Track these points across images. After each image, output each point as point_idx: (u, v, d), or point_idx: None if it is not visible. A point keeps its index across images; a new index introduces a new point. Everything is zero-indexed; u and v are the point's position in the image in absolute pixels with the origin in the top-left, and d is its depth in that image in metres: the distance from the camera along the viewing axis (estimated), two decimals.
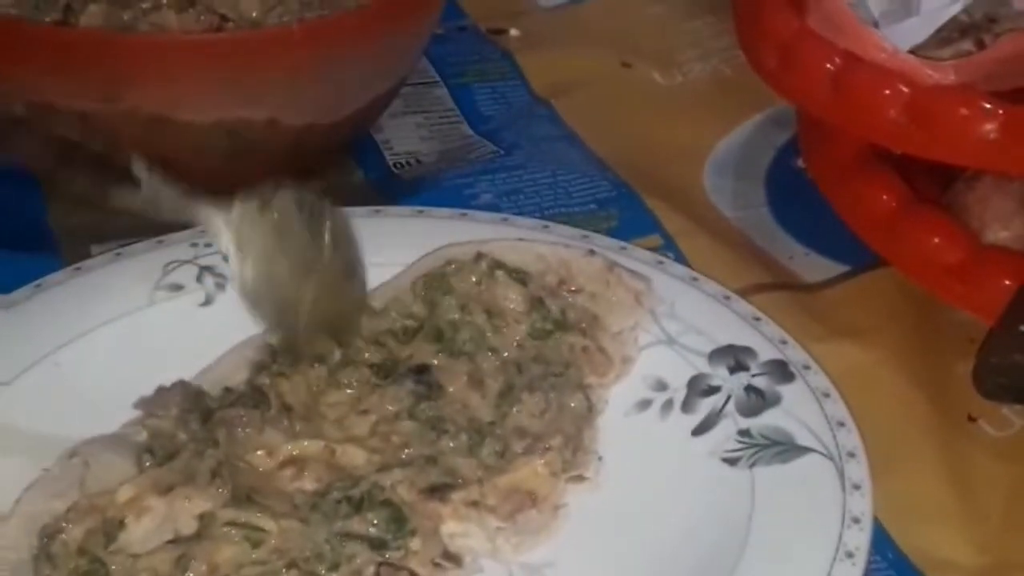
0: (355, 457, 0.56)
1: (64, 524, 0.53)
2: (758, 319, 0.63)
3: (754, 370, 0.60)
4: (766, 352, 0.61)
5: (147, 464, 0.56)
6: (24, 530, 0.53)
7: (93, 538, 0.53)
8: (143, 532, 0.53)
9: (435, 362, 0.61)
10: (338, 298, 0.61)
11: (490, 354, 0.61)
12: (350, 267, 0.62)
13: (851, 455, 0.55)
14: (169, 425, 0.58)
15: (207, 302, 0.66)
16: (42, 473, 0.56)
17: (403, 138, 0.84)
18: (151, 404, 0.59)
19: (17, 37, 0.71)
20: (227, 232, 0.60)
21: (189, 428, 0.57)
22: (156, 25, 0.74)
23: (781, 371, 0.60)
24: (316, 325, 0.60)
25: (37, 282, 0.65)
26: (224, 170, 0.75)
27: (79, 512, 0.54)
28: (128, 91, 0.70)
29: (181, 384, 0.60)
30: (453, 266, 0.64)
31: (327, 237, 0.61)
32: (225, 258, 0.61)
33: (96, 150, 0.64)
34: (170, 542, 0.53)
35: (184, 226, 0.68)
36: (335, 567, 0.52)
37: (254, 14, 0.75)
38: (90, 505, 0.54)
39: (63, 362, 0.61)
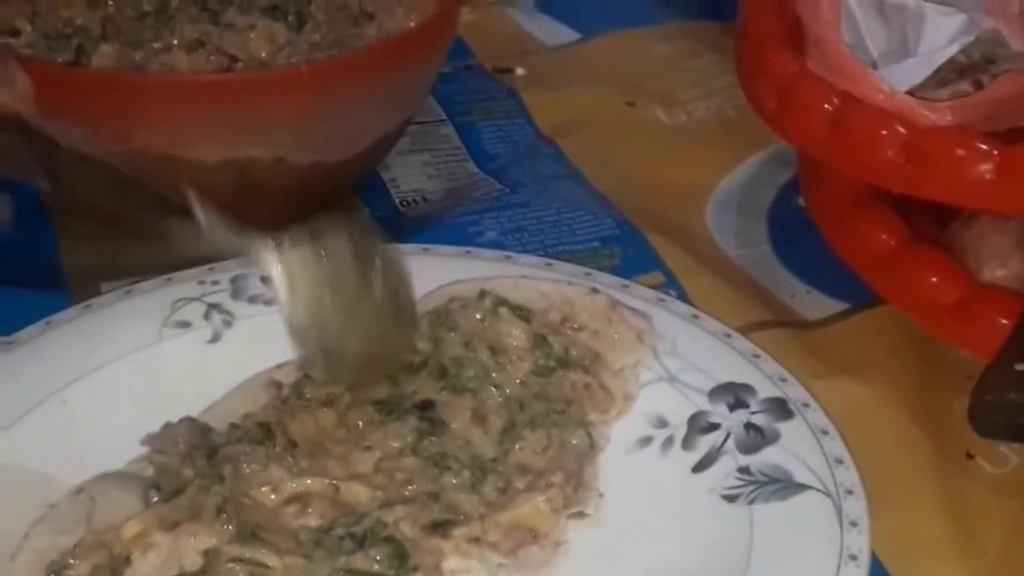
0: (359, 494, 0.57)
1: (71, 560, 0.53)
2: (758, 357, 0.63)
3: (754, 407, 0.61)
4: (766, 390, 0.61)
5: (153, 500, 0.56)
6: (32, 565, 0.54)
7: (99, 574, 0.53)
8: (149, 568, 0.54)
9: (439, 398, 0.61)
10: (386, 338, 0.61)
11: (493, 390, 0.62)
12: (399, 306, 0.62)
13: (849, 492, 0.56)
14: (175, 461, 0.58)
15: (214, 339, 0.66)
16: (49, 509, 0.56)
17: (409, 176, 0.85)
18: (158, 440, 0.59)
19: (30, 77, 0.72)
20: (278, 267, 0.60)
21: (195, 464, 0.58)
22: (167, 65, 0.75)
23: (780, 409, 0.60)
24: (362, 365, 0.61)
25: (47, 319, 0.66)
26: (232, 207, 0.75)
27: (86, 548, 0.54)
28: (138, 131, 0.71)
29: (188, 420, 0.60)
30: (457, 303, 0.65)
31: (378, 275, 0.61)
32: (275, 294, 0.60)
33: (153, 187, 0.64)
34: None
35: (194, 263, 0.69)
36: None
37: (263, 55, 0.76)
38: (97, 541, 0.54)
39: (71, 399, 0.62)
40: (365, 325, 0.60)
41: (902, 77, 0.70)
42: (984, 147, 0.61)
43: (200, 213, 0.60)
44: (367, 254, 0.61)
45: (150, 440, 0.60)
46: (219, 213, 0.61)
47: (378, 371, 0.61)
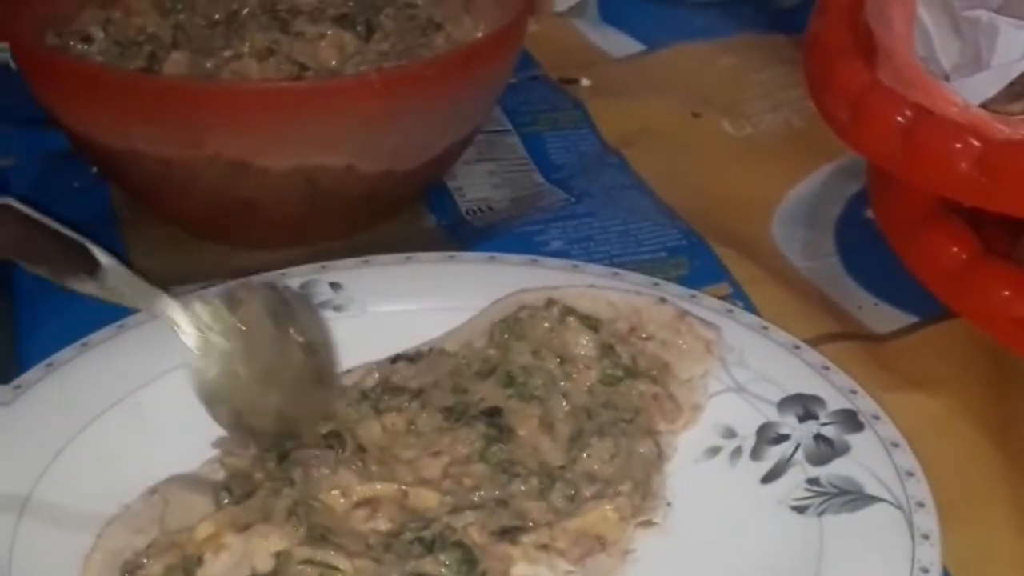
0: (427, 499, 0.57)
1: (144, 560, 0.54)
2: (827, 368, 0.63)
3: (823, 419, 0.60)
4: (835, 401, 0.61)
5: (225, 502, 0.57)
6: (106, 565, 0.55)
7: (172, 574, 0.54)
8: (221, 568, 0.54)
9: (506, 406, 0.61)
10: (303, 404, 0.60)
11: (561, 399, 0.62)
12: (320, 372, 0.61)
13: (920, 505, 0.56)
14: (246, 464, 0.59)
15: None
16: (123, 509, 0.57)
17: (475, 185, 0.86)
18: (229, 443, 0.60)
19: (103, 84, 0.73)
20: (189, 328, 0.59)
21: (266, 467, 0.58)
22: (237, 73, 0.76)
23: (850, 420, 0.60)
24: (276, 429, 0.60)
25: (119, 323, 0.67)
26: (302, 214, 0.76)
27: (159, 548, 0.55)
28: (210, 138, 0.72)
29: None
30: (526, 312, 0.65)
31: (298, 341, 0.60)
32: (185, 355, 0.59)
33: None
34: None
35: (261, 270, 0.70)
36: None
37: (333, 63, 0.77)
38: (170, 541, 0.55)
39: (144, 401, 0.63)
40: (281, 394, 0.60)
41: (975, 90, 0.69)
42: None
43: (106, 265, 0.60)
44: (286, 319, 0.60)
45: (221, 443, 0.60)
46: (126, 267, 0.60)
47: (295, 431, 0.60)
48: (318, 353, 0.61)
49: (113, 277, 0.60)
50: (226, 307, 0.59)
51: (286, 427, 0.60)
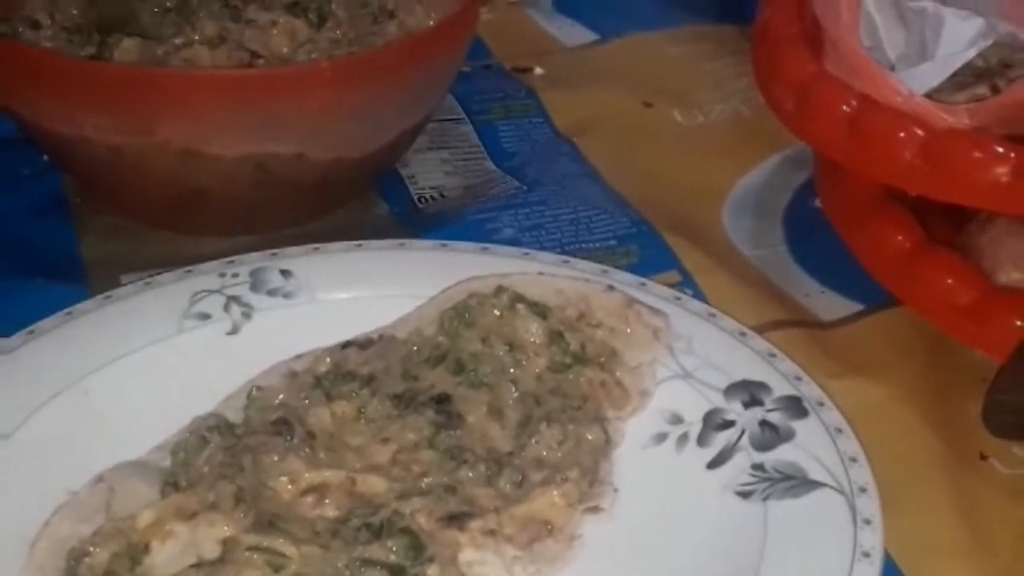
0: (375, 485, 0.57)
1: (90, 548, 0.54)
2: (773, 355, 0.64)
3: (769, 405, 0.61)
4: (781, 388, 0.62)
5: (172, 490, 0.57)
6: (52, 553, 0.54)
7: (118, 561, 0.54)
8: (167, 556, 0.54)
9: (455, 392, 0.62)
10: None
11: (510, 386, 0.62)
12: None
13: (863, 490, 0.56)
14: (194, 451, 0.59)
15: (234, 331, 0.67)
16: (69, 497, 0.57)
17: (428, 173, 0.85)
18: (179, 431, 0.60)
19: (53, 71, 0.72)
20: None
21: (214, 455, 0.58)
22: (188, 61, 0.75)
23: (795, 407, 0.61)
24: None
25: (68, 310, 0.66)
26: (253, 202, 0.76)
27: (105, 536, 0.55)
28: (160, 125, 0.71)
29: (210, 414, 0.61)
30: (475, 299, 0.65)
31: None
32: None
33: None
34: (193, 566, 0.54)
35: (214, 256, 0.70)
36: None
37: (284, 51, 0.77)
38: (115, 529, 0.55)
39: (92, 389, 0.63)
40: None
41: (920, 80, 0.70)
42: (1001, 150, 0.62)
43: None
44: None
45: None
46: None
47: None
48: None
49: None
50: None
51: None
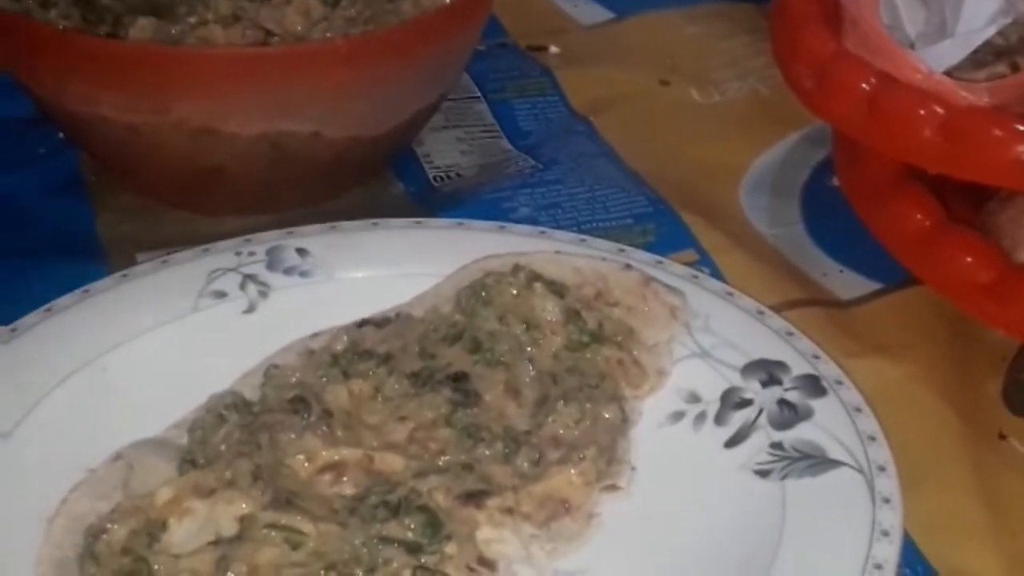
0: (393, 463, 0.57)
1: (108, 524, 0.54)
2: (791, 334, 0.63)
3: (787, 384, 0.61)
4: (799, 367, 0.61)
5: (189, 467, 0.57)
6: (69, 529, 0.55)
7: (136, 538, 0.54)
8: (185, 533, 0.54)
9: (472, 371, 0.62)
10: None
11: (527, 364, 0.62)
12: None
13: (882, 469, 0.56)
14: (211, 430, 0.59)
15: (250, 309, 0.67)
16: (87, 474, 0.57)
17: (443, 152, 0.85)
18: (196, 409, 0.60)
19: (69, 49, 0.72)
20: None
21: (232, 432, 0.58)
22: (203, 39, 0.75)
23: (813, 385, 0.60)
24: None
25: (84, 288, 0.66)
26: (269, 180, 0.76)
27: (123, 513, 0.55)
28: (176, 104, 0.71)
29: (226, 391, 0.61)
30: (492, 278, 0.65)
31: None
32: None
33: None
34: (211, 543, 0.54)
35: (230, 235, 0.70)
36: (372, 570, 0.53)
37: (299, 29, 0.76)
38: (133, 506, 0.55)
39: (110, 367, 0.63)
40: None
41: (939, 58, 0.69)
42: (1021, 128, 0.61)
43: None
44: None
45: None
46: None
47: None
48: None
49: None
50: None
51: None
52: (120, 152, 0.76)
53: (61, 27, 0.75)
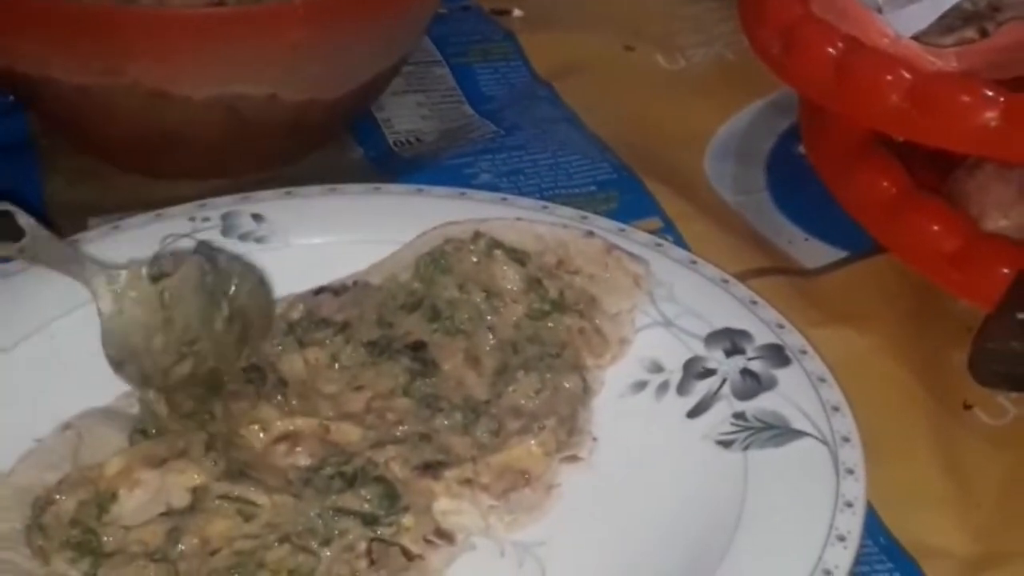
0: (349, 433, 0.57)
1: (56, 496, 0.53)
2: (755, 303, 0.63)
3: (750, 353, 0.60)
4: (763, 336, 0.61)
5: (140, 437, 0.56)
6: (17, 500, 0.54)
7: (85, 510, 0.53)
8: (136, 504, 0.53)
9: (431, 340, 0.61)
10: (216, 369, 0.59)
11: (487, 333, 0.61)
12: (244, 334, 0.60)
13: (845, 440, 0.55)
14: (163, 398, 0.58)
15: None
16: (36, 444, 0.56)
17: (404, 116, 0.84)
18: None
19: (20, 9, 0.71)
20: (107, 296, 0.59)
21: (183, 402, 0.57)
22: (158, 0, 0.74)
23: (777, 355, 0.60)
24: (183, 390, 0.58)
25: None
26: (224, 144, 0.75)
27: (71, 484, 0.54)
28: (128, 65, 0.70)
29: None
30: (451, 245, 0.64)
31: (225, 310, 0.60)
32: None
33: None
34: (162, 515, 0.53)
35: (184, 200, 0.69)
36: (327, 542, 0.52)
37: None
38: (82, 477, 0.54)
39: (58, 333, 0.61)
40: (198, 357, 0.59)
41: (907, 22, 0.69)
42: (990, 94, 0.61)
43: (28, 228, 0.60)
44: (219, 288, 0.60)
45: None
46: (50, 231, 0.61)
47: (200, 394, 0.58)
48: (249, 315, 0.60)
49: (35, 241, 0.60)
50: (150, 277, 0.59)
51: (207, 381, 0.58)
52: (71, 115, 0.75)
53: None
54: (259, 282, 0.62)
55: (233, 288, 0.60)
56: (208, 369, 0.59)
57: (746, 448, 0.56)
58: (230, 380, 0.58)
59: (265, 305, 0.61)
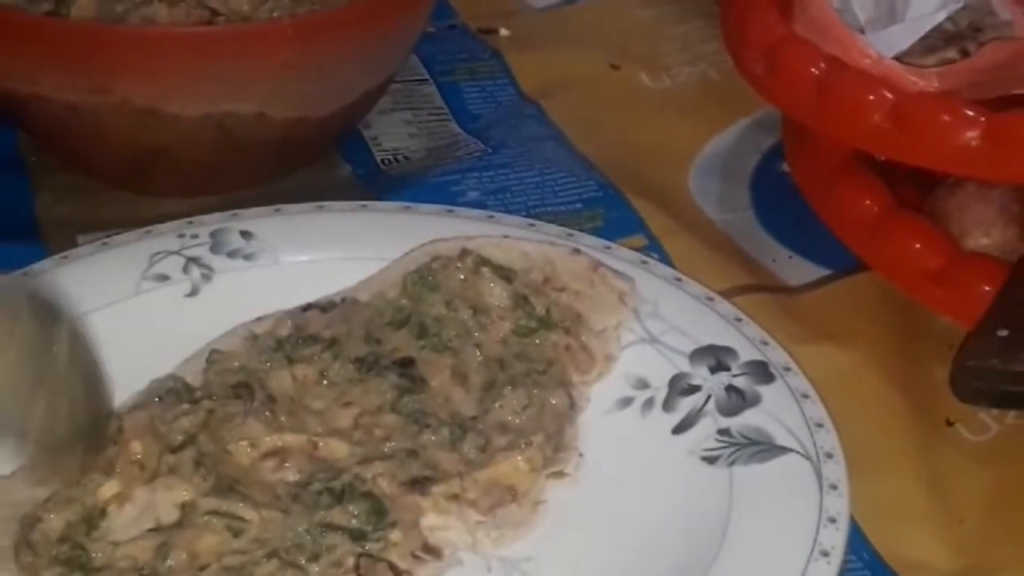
0: (337, 449, 0.57)
1: (44, 514, 0.53)
2: (740, 320, 0.63)
3: (735, 370, 0.60)
4: (747, 353, 0.61)
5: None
6: (5, 517, 0.54)
7: (74, 528, 0.53)
8: (125, 520, 0.54)
9: (419, 356, 0.61)
10: (79, 413, 0.54)
11: (475, 350, 0.61)
12: (91, 379, 0.55)
13: (829, 456, 0.56)
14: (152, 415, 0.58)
15: (193, 292, 0.66)
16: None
17: (391, 134, 0.84)
18: (137, 394, 0.59)
19: (9, 27, 0.71)
20: None
21: (172, 418, 0.57)
22: (147, 18, 0.74)
23: (761, 372, 0.60)
24: (54, 440, 0.53)
25: (23, 270, 0.65)
26: (213, 162, 0.75)
27: (60, 501, 0.54)
28: (118, 83, 0.70)
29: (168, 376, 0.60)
30: (439, 262, 0.64)
31: (64, 343, 0.54)
32: None
33: None
34: (151, 530, 0.53)
35: (173, 217, 0.69)
36: (315, 558, 0.52)
37: (244, 8, 0.75)
38: (71, 494, 0.54)
39: None
40: (50, 395, 0.53)
41: (889, 43, 0.69)
42: (971, 114, 0.61)
43: None
44: (49, 320, 0.54)
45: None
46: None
47: (76, 448, 0.54)
48: (84, 357, 0.55)
49: None
50: None
51: (66, 440, 0.54)
52: (60, 132, 0.75)
53: (0, 3, 0.74)
54: (82, 333, 0.56)
55: (63, 328, 0.55)
56: (71, 419, 0.54)
57: (731, 464, 0.56)
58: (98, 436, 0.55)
59: (93, 355, 0.56)
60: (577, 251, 0.66)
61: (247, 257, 0.67)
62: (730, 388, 0.60)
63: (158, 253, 0.67)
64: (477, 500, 0.56)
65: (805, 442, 0.56)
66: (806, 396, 0.59)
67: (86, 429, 0.55)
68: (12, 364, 0.52)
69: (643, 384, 0.61)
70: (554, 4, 1.01)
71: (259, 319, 0.63)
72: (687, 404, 0.60)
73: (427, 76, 0.90)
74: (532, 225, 0.70)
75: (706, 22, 0.95)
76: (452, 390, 0.60)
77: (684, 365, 0.61)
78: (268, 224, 0.69)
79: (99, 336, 0.61)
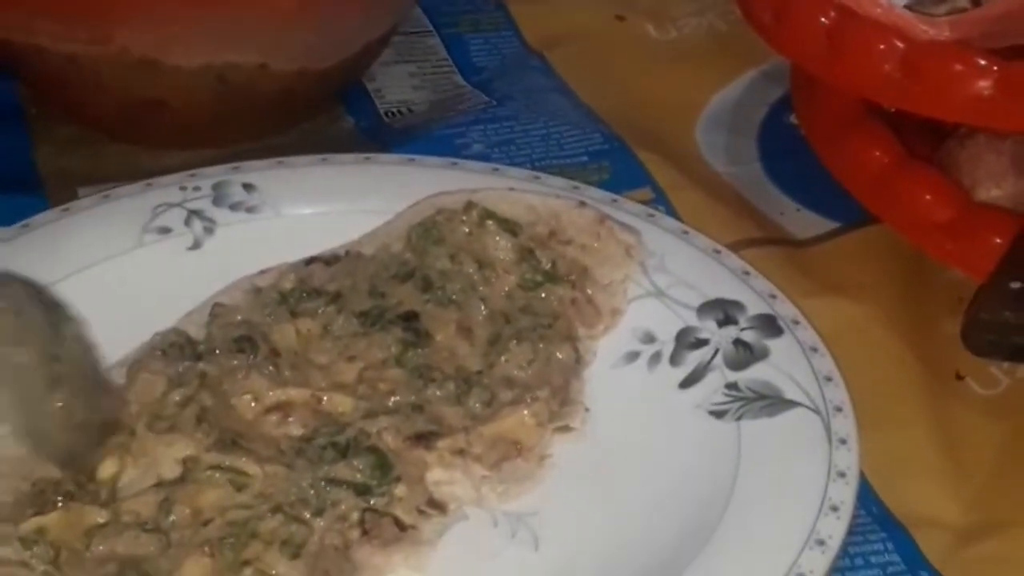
0: (341, 404, 0.56)
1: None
2: (748, 273, 0.62)
3: (743, 324, 0.60)
4: (755, 306, 0.61)
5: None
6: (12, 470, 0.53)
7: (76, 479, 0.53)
8: (127, 476, 0.53)
9: (423, 310, 0.60)
10: (90, 409, 0.54)
11: (479, 303, 0.61)
12: (94, 377, 0.55)
13: (838, 409, 0.55)
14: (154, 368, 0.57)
15: (195, 246, 0.65)
16: None
17: (395, 87, 0.84)
18: (140, 347, 0.59)
19: None
20: None
21: (174, 372, 0.57)
22: None
23: (770, 325, 0.60)
24: (69, 439, 0.53)
25: (24, 223, 0.65)
26: (214, 114, 0.74)
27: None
28: (116, 33, 0.69)
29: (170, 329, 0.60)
30: (443, 215, 0.64)
31: (72, 341, 0.54)
32: None
33: None
34: (154, 486, 0.53)
35: (174, 169, 0.68)
36: (319, 512, 0.52)
37: None
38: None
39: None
40: (66, 385, 0.53)
41: None
42: (983, 63, 0.61)
43: None
44: (55, 312, 0.55)
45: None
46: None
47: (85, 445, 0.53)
48: (89, 354, 0.55)
49: None
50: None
51: (80, 433, 0.54)
52: (59, 84, 0.74)
53: None
54: (85, 331, 0.56)
55: (69, 321, 0.55)
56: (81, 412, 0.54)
57: (739, 418, 0.56)
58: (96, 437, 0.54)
59: (95, 353, 0.56)
60: (583, 204, 0.65)
61: (250, 210, 0.67)
62: (738, 342, 0.59)
63: (160, 206, 0.66)
64: (482, 455, 0.55)
65: (814, 396, 0.56)
66: (815, 349, 0.58)
67: (97, 424, 0.54)
68: (27, 367, 0.52)
69: (650, 338, 0.61)
70: None
71: (262, 272, 0.63)
72: (694, 358, 0.59)
73: (431, 28, 0.89)
74: (537, 178, 0.69)
75: None
76: (457, 344, 0.60)
77: (691, 319, 0.61)
78: (271, 176, 0.68)
79: (101, 289, 0.62)
